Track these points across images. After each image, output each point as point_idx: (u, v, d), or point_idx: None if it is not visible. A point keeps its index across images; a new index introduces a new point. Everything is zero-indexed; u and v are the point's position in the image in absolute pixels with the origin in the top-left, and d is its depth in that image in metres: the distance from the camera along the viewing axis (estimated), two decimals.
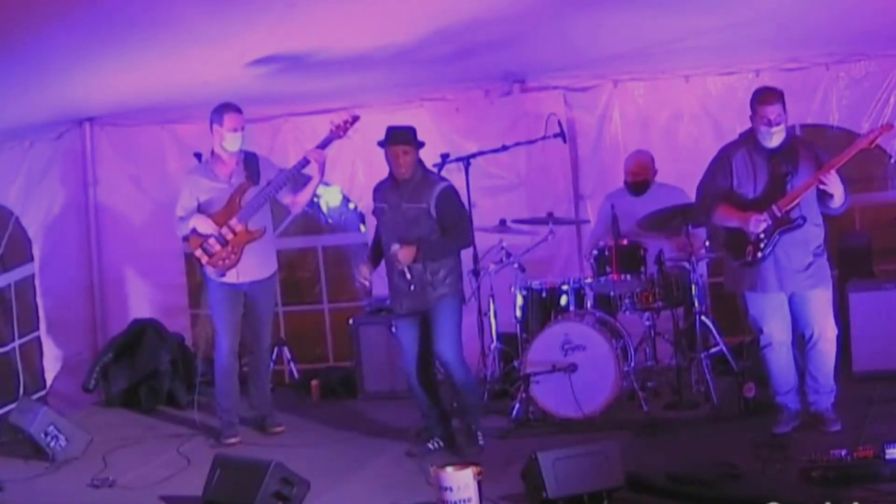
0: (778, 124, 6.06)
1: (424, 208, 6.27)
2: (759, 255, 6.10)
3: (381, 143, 6.38)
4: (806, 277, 6.12)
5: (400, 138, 6.32)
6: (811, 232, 6.13)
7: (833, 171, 5.99)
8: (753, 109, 6.14)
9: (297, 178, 6.88)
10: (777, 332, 6.21)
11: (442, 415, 6.55)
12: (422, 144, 6.38)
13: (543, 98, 8.28)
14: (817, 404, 6.24)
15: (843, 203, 6.12)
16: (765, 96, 6.12)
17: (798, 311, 6.19)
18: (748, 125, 6.23)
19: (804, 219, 6.07)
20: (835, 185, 6.01)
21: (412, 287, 6.28)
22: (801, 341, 6.23)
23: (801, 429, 6.23)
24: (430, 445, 6.45)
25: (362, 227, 8.98)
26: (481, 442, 6.43)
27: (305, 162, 6.83)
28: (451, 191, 6.37)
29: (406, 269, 6.26)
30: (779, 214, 6.04)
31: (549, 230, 7.52)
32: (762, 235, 6.07)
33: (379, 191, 6.48)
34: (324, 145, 6.89)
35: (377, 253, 6.55)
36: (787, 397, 6.28)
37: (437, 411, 6.53)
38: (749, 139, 6.22)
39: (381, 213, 6.44)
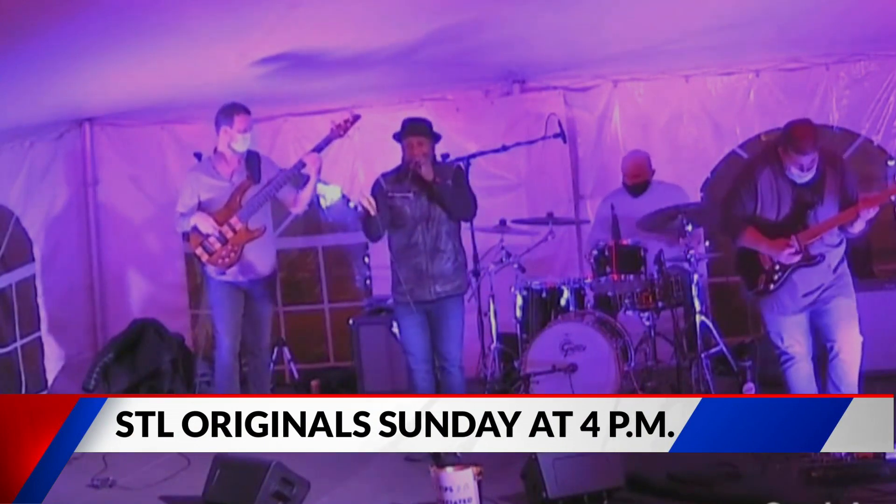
0: (810, 170, 5.67)
1: (448, 185, 6.34)
2: (772, 286, 5.86)
3: (397, 136, 6.42)
4: (823, 291, 5.86)
5: (417, 129, 6.39)
6: (831, 253, 5.84)
7: (873, 209, 5.64)
8: (785, 148, 5.67)
9: (297, 177, 6.88)
10: (797, 347, 5.97)
11: None
12: (437, 137, 6.44)
13: (543, 98, 8.29)
14: None
15: (864, 230, 5.82)
16: (801, 144, 5.63)
17: (818, 323, 5.92)
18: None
19: (823, 256, 5.78)
20: (868, 219, 5.71)
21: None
22: (823, 352, 5.98)
23: None
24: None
25: None
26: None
27: (301, 164, 6.83)
28: (462, 169, 6.55)
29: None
30: (798, 248, 5.73)
31: (549, 230, 7.52)
32: (777, 267, 5.82)
33: (391, 183, 6.43)
34: (321, 146, 6.90)
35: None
36: None
37: None
38: (773, 158, 5.78)
39: (402, 204, 6.40)
